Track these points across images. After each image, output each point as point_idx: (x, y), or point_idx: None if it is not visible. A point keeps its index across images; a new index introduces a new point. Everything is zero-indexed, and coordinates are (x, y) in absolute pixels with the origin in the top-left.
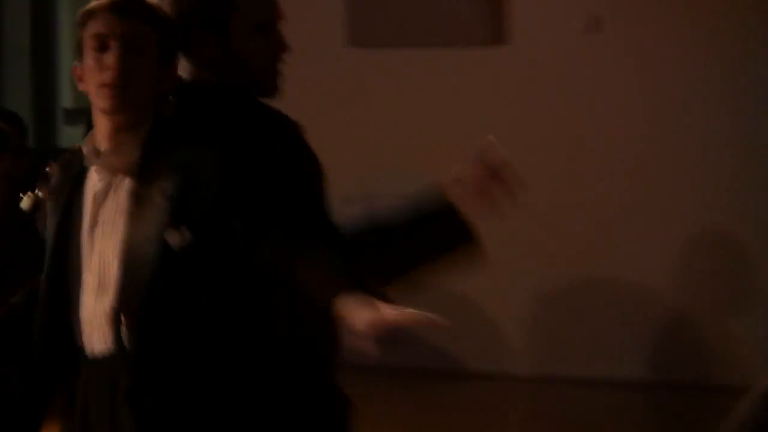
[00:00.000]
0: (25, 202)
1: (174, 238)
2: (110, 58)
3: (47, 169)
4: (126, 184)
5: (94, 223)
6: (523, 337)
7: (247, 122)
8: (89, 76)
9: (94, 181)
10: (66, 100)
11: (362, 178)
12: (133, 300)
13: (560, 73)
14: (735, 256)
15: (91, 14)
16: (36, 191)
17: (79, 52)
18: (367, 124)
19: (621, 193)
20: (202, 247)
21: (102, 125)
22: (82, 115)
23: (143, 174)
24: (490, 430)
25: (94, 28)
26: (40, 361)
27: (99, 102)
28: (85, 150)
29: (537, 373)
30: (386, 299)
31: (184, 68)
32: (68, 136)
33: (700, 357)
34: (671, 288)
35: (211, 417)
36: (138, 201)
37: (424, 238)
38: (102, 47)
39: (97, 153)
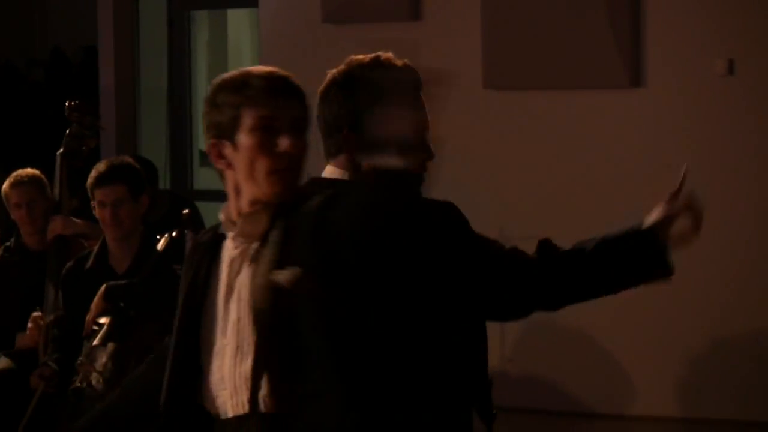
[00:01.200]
0: (161, 243)
1: (282, 276)
2: (285, 142)
3: (183, 211)
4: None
5: (229, 291)
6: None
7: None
8: (252, 160)
9: (230, 249)
10: (202, 142)
11: (496, 217)
12: (271, 360)
13: (691, 113)
14: None
15: (252, 94)
16: (171, 233)
17: (226, 130)
18: (503, 163)
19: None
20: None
21: (238, 199)
22: None
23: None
24: None
25: (259, 110)
26: (167, 421)
27: (268, 187)
28: (221, 219)
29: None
30: None
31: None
32: (203, 178)
33: None
34: None
35: None
36: (258, 261)
37: (624, 263)
38: (271, 130)
39: (233, 223)
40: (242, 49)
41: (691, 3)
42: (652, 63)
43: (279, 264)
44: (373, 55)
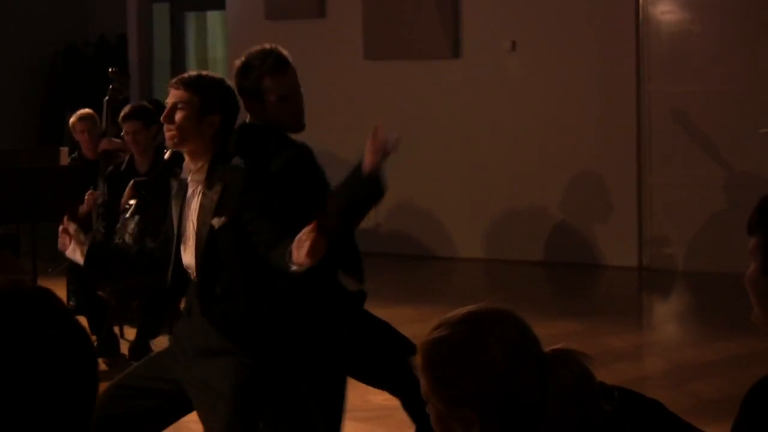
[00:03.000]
0: (167, 154)
1: (216, 222)
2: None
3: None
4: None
5: (189, 214)
6: (473, 235)
7: (272, 152)
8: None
9: (192, 188)
10: None
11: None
12: (199, 252)
13: (493, 77)
14: (599, 184)
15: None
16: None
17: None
18: (373, 114)
19: (532, 147)
20: (232, 227)
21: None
22: None
23: (208, 185)
24: (446, 290)
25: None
26: (173, 278)
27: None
28: (184, 170)
29: (481, 257)
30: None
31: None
32: None
33: (580, 245)
34: (562, 202)
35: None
36: (203, 201)
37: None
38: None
39: (189, 172)
40: (216, 36)
41: None
42: (466, 40)
43: (216, 212)
44: (261, 46)
